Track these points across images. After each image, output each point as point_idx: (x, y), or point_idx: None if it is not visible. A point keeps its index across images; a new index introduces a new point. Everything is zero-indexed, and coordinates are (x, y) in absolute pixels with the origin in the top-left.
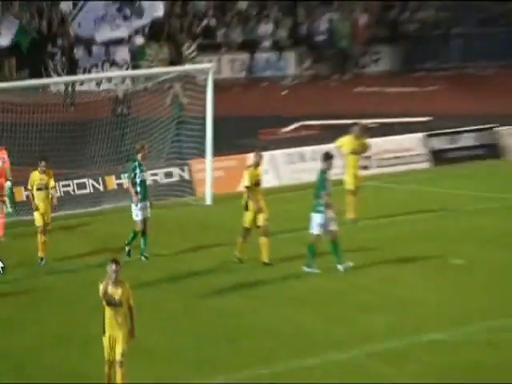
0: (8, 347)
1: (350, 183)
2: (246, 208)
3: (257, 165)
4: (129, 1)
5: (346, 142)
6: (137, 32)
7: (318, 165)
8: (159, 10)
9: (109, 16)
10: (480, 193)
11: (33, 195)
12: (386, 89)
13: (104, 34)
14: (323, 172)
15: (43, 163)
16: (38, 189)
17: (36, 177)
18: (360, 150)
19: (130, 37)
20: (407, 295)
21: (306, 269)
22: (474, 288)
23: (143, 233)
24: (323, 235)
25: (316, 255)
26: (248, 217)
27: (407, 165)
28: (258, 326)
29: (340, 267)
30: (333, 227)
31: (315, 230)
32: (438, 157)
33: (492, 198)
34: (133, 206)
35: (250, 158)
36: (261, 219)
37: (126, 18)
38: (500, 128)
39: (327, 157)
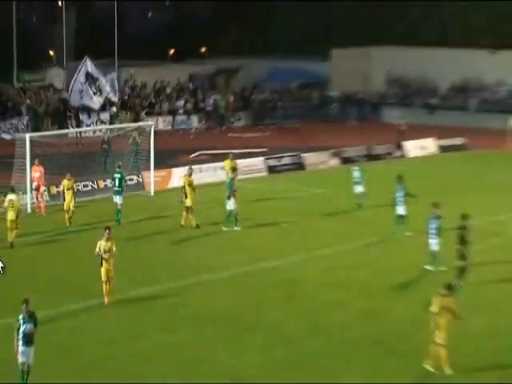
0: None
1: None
2: (186, 197)
3: (190, 175)
4: (93, 82)
5: (227, 163)
6: (109, 104)
7: (212, 174)
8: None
9: (85, 91)
10: (295, 186)
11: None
12: (244, 135)
13: (86, 103)
14: (232, 179)
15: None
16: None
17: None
18: (234, 167)
19: (103, 106)
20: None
21: (224, 228)
22: None
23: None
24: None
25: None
26: (187, 202)
27: (256, 173)
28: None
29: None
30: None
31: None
32: (271, 170)
33: (300, 190)
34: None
35: (175, 170)
36: (188, 202)
37: (94, 93)
38: (302, 154)
39: (234, 170)
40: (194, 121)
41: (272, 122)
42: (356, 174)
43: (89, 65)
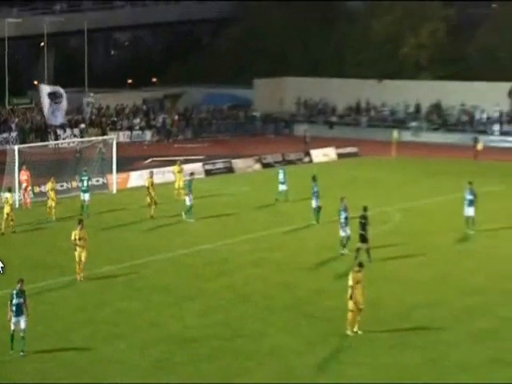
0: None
1: (178, 184)
2: (149, 194)
3: (151, 176)
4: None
5: (175, 168)
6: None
7: (161, 177)
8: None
9: (55, 110)
10: (227, 186)
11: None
12: (187, 145)
13: (60, 121)
14: (190, 181)
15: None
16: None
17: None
18: (180, 171)
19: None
20: None
21: (184, 217)
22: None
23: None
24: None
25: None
26: (148, 200)
27: (196, 176)
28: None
29: None
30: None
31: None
32: (208, 173)
33: (231, 189)
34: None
35: (133, 174)
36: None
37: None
38: (232, 160)
39: (191, 174)
40: (147, 135)
41: (208, 136)
42: (281, 175)
43: (43, 88)
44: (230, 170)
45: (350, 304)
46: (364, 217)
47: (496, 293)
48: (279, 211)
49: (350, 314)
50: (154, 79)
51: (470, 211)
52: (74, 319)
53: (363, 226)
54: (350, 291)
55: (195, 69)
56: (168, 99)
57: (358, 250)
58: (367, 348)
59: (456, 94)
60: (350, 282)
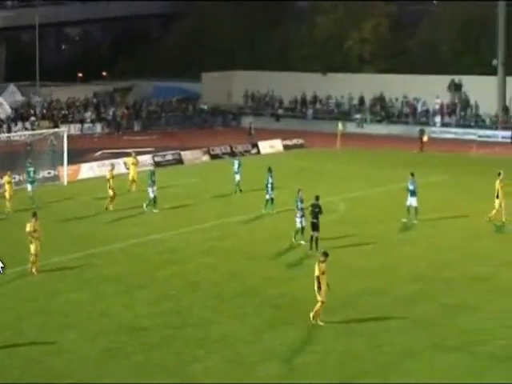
0: None
1: (132, 176)
2: (109, 187)
3: (112, 169)
4: None
5: (130, 160)
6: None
7: (115, 168)
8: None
9: None
10: (176, 177)
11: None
12: (136, 137)
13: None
14: (152, 172)
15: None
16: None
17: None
18: (135, 163)
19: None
20: None
21: (145, 208)
22: None
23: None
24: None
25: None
26: (111, 193)
27: (145, 167)
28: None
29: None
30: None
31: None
32: (157, 164)
33: (181, 180)
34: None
35: (84, 165)
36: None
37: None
38: (181, 152)
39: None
40: (98, 127)
41: (157, 128)
42: (235, 165)
43: None
44: (179, 161)
45: (320, 295)
46: (316, 205)
47: (438, 281)
48: (230, 201)
49: (319, 305)
50: (104, 73)
51: (412, 201)
52: (26, 309)
53: (315, 214)
54: (316, 282)
55: (144, 63)
56: (118, 93)
57: (311, 238)
58: (315, 336)
59: (398, 86)
60: (317, 273)
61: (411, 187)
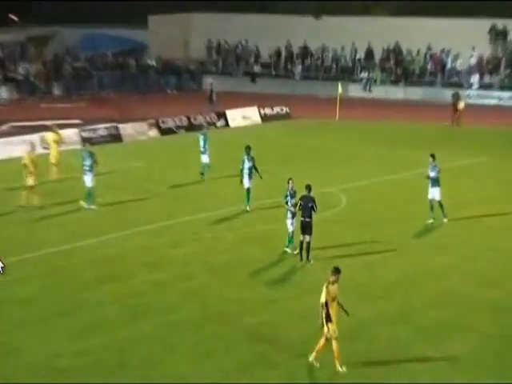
0: None
1: (54, 158)
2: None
3: (32, 150)
4: None
5: (49, 136)
6: None
7: (25, 148)
8: None
9: None
10: (112, 160)
11: None
12: (58, 105)
13: None
14: (91, 154)
15: None
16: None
17: None
18: (57, 141)
19: None
20: None
21: (84, 205)
22: None
23: None
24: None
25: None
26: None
27: (69, 146)
28: None
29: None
30: None
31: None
32: (86, 142)
33: (118, 163)
34: None
35: None
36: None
37: None
38: (119, 125)
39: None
40: (3, 91)
41: (86, 92)
42: (201, 142)
43: None
44: (116, 138)
45: (329, 330)
46: (308, 199)
47: (479, 304)
48: (187, 193)
49: (322, 342)
50: (14, 17)
51: (435, 193)
52: None
53: (307, 211)
54: (324, 311)
55: (69, 4)
56: (32, 43)
57: (301, 243)
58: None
59: (420, 34)
60: (323, 299)
61: (432, 174)
